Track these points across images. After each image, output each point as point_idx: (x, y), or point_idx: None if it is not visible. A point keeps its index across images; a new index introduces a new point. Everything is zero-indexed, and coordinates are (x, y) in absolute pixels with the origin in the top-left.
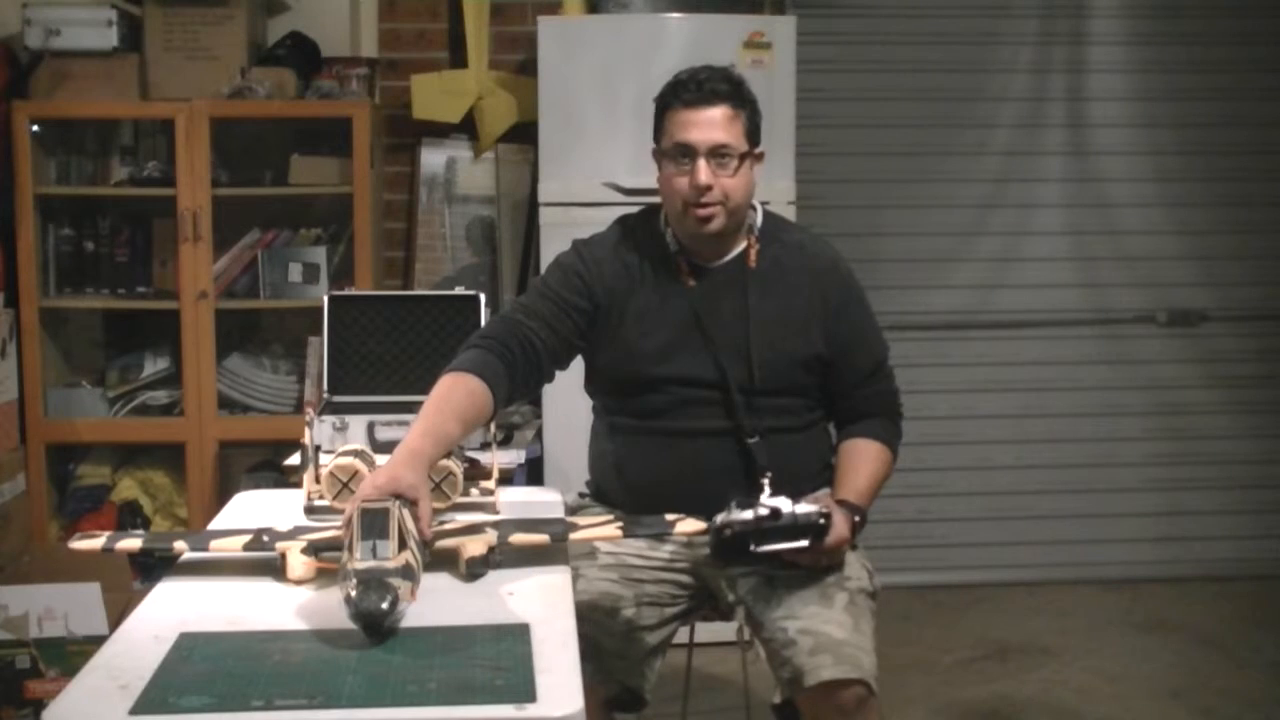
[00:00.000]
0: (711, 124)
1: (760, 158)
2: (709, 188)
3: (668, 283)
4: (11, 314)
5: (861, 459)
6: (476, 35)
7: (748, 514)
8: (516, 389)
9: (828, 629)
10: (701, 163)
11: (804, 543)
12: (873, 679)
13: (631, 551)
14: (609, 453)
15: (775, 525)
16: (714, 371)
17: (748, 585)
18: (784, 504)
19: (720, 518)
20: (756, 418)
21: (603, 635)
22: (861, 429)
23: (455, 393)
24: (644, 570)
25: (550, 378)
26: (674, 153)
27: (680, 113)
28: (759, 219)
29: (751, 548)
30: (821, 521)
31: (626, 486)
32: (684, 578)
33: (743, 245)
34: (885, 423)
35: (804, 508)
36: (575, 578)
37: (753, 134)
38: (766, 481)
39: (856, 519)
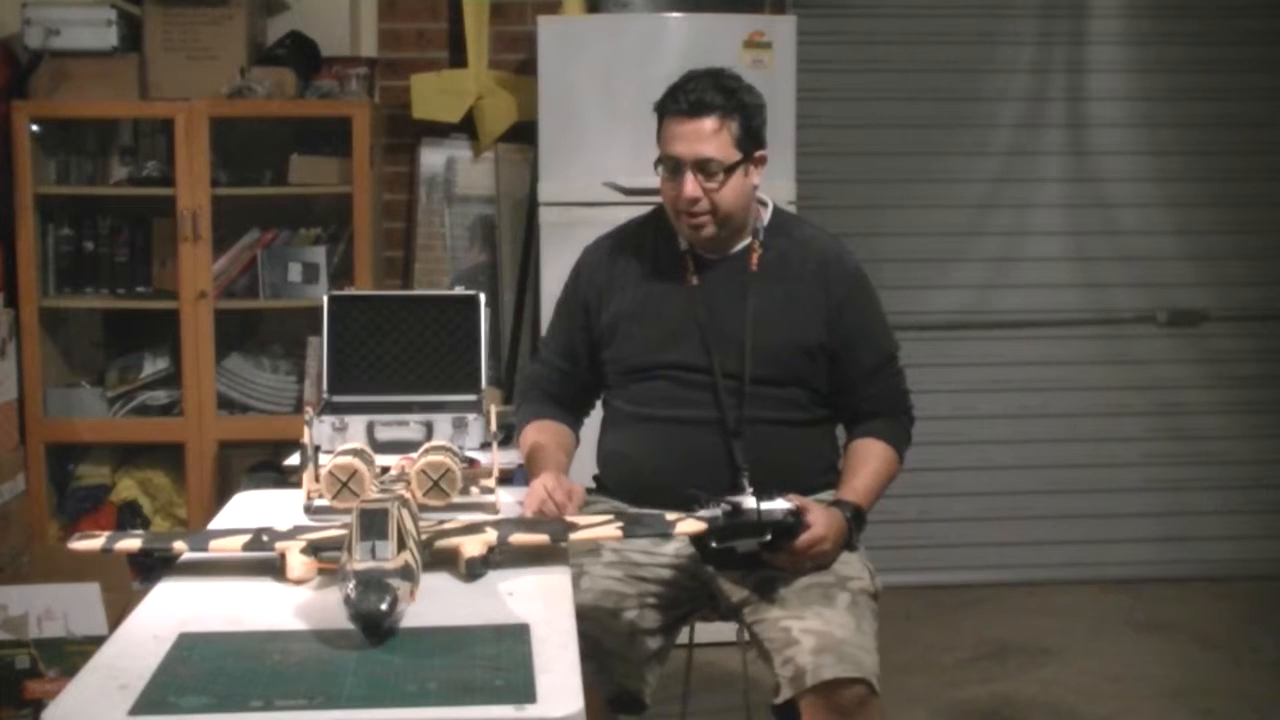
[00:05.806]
0: (697, 137)
1: (761, 161)
2: (696, 200)
3: (673, 278)
4: (11, 314)
5: (863, 459)
6: (476, 35)
7: (713, 510)
8: (580, 419)
9: (830, 629)
10: (688, 176)
11: (766, 538)
12: (875, 678)
13: (635, 549)
14: (608, 439)
15: (739, 522)
16: (705, 359)
17: (750, 586)
18: (748, 501)
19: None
20: (751, 408)
21: (605, 635)
22: (867, 429)
23: (545, 434)
24: (648, 568)
25: (600, 390)
26: (666, 162)
27: (670, 124)
28: (767, 216)
29: (711, 544)
30: (789, 520)
31: (620, 474)
32: (686, 578)
33: (747, 241)
34: (892, 423)
35: (770, 505)
36: (579, 575)
37: (747, 140)
38: (745, 478)
39: (848, 516)
